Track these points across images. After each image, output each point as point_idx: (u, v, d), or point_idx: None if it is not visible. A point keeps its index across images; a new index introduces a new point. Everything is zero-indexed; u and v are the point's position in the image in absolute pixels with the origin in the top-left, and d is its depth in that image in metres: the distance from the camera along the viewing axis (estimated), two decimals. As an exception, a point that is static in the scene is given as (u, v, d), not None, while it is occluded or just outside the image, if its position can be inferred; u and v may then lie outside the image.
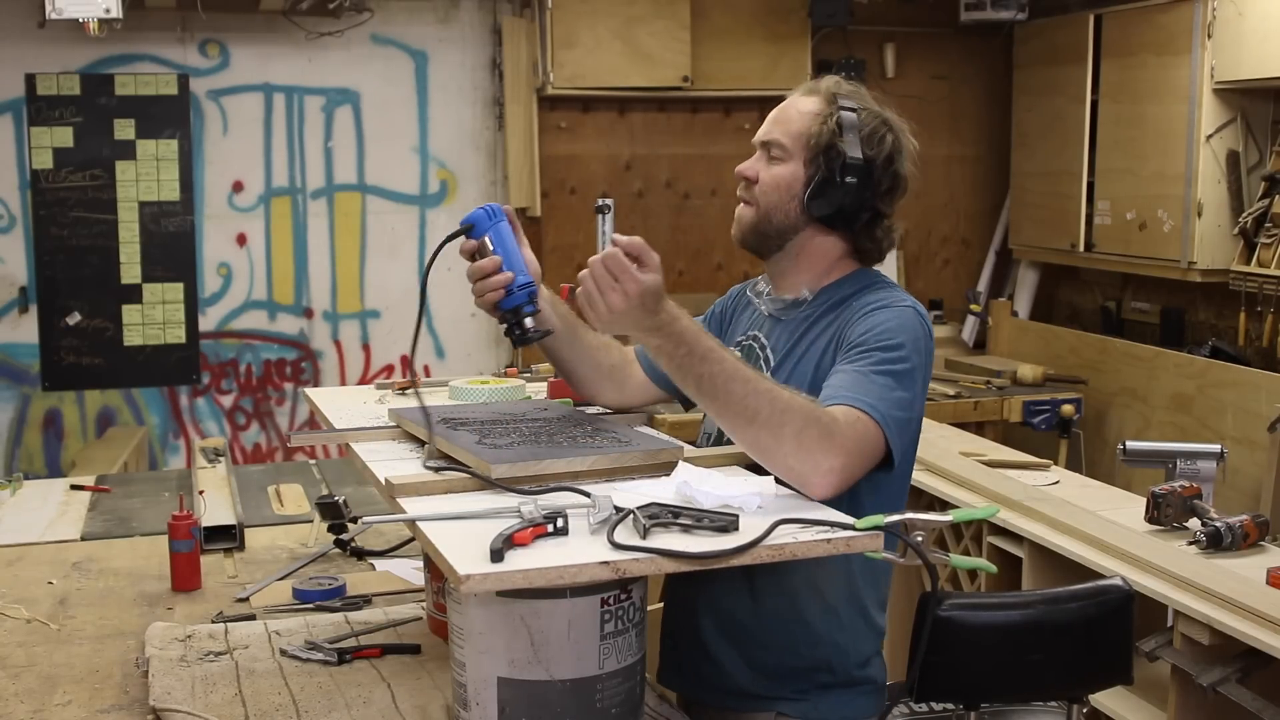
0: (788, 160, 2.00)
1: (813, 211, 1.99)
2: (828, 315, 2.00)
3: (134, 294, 5.45)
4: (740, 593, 2.00)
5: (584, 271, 1.70)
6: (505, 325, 2.01)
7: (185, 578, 2.55)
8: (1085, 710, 2.37)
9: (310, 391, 2.53)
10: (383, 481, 1.79)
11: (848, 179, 1.96)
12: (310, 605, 2.43)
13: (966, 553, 3.49)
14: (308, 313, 5.68)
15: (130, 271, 5.44)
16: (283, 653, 2.15)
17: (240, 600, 2.48)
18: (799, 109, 2.02)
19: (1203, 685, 2.66)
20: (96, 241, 5.39)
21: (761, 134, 2.04)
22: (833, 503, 1.70)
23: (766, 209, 2.01)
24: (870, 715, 2.03)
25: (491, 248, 1.99)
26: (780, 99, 2.11)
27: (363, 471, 1.96)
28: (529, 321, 2.00)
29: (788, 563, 1.57)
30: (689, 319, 1.75)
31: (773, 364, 2.02)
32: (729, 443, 2.09)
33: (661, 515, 1.55)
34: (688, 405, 2.19)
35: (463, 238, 2.01)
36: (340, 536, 2.76)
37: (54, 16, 4.15)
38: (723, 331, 2.22)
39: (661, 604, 2.22)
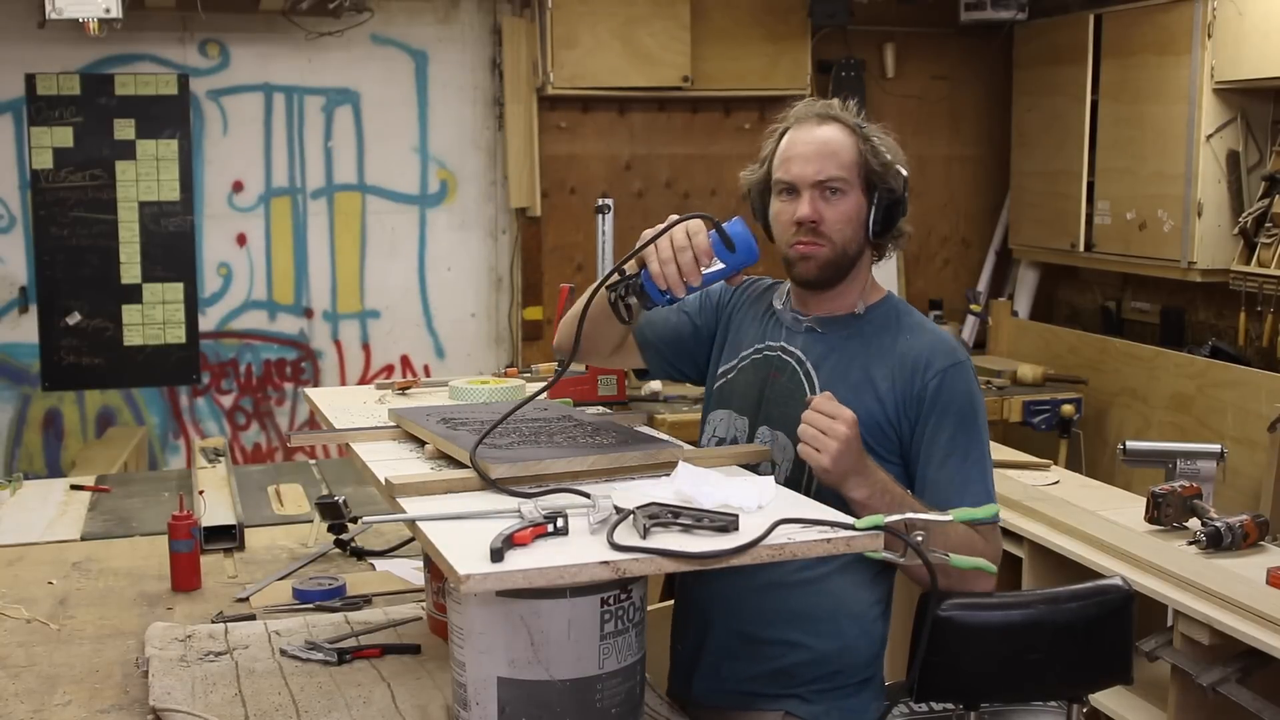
0: (849, 192, 2.02)
1: (876, 235, 2.05)
2: (873, 344, 2.05)
3: (134, 294, 5.45)
4: (757, 591, 2.01)
5: (800, 427, 1.85)
6: (624, 288, 1.91)
7: (185, 578, 2.55)
8: (1085, 710, 2.37)
9: (310, 391, 2.54)
10: (383, 481, 1.79)
11: (905, 193, 2.04)
12: (310, 605, 2.43)
13: (966, 553, 3.49)
14: (308, 313, 5.68)
15: (130, 271, 5.44)
16: (283, 653, 2.15)
17: (240, 600, 2.48)
18: (837, 141, 2.02)
19: (1203, 685, 2.66)
20: (96, 241, 5.38)
21: (814, 174, 2.01)
22: (830, 500, 1.73)
23: (842, 244, 2.03)
24: (873, 717, 2.05)
25: (716, 269, 1.89)
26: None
27: (363, 471, 1.96)
28: (635, 303, 1.93)
29: (808, 561, 1.58)
30: (880, 467, 1.90)
31: (816, 381, 2.05)
32: (729, 442, 2.11)
33: (661, 515, 1.55)
34: (640, 375, 2.31)
35: (714, 227, 1.89)
36: (340, 536, 2.76)
37: (54, 16, 4.15)
38: (719, 318, 2.23)
39: (663, 603, 2.23)
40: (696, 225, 1.87)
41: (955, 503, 1.94)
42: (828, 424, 1.82)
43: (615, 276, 1.93)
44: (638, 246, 1.89)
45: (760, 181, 2.11)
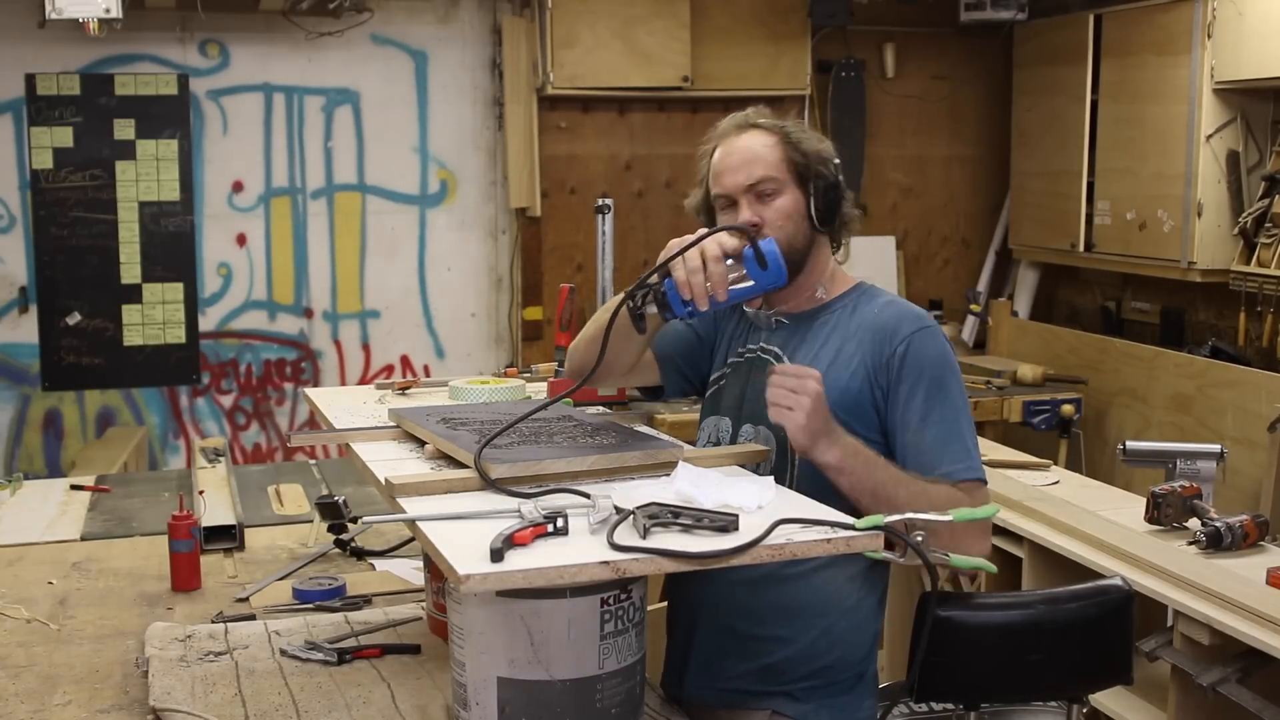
0: (783, 190, 2.06)
1: (821, 223, 2.07)
2: (844, 326, 2.07)
3: (134, 294, 5.45)
4: (742, 586, 2.02)
5: (769, 391, 1.84)
6: (643, 297, 1.88)
7: (185, 578, 2.55)
8: (1085, 710, 2.37)
9: (310, 391, 2.54)
10: (383, 481, 1.79)
11: (840, 177, 2.08)
12: (310, 605, 2.44)
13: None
14: (308, 313, 5.68)
15: (130, 271, 5.44)
16: (283, 653, 2.16)
17: (240, 600, 2.48)
18: (759, 144, 2.07)
19: (1203, 685, 2.66)
20: (96, 241, 5.38)
21: (744, 181, 2.05)
22: (829, 499, 1.73)
23: (787, 241, 2.05)
24: (863, 716, 2.05)
25: (744, 285, 1.87)
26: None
27: (363, 471, 1.96)
28: (654, 311, 1.88)
29: (793, 561, 1.58)
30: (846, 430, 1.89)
31: None
32: (716, 444, 2.12)
33: (661, 515, 1.55)
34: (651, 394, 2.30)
35: (748, 240, 1.86)
36: (340, 536, 2.76)
37: (54, 16, 4.15)
38: (716, 327, 2.25)
39: (663, 603, 2.23)
40: (731, 239, 1.88)
41: (935, 465, 1.95)
42: (796, 382, 1.82)
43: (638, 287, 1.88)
44: (666, 258, 1.87)
45: (703, 201, 2.16)
